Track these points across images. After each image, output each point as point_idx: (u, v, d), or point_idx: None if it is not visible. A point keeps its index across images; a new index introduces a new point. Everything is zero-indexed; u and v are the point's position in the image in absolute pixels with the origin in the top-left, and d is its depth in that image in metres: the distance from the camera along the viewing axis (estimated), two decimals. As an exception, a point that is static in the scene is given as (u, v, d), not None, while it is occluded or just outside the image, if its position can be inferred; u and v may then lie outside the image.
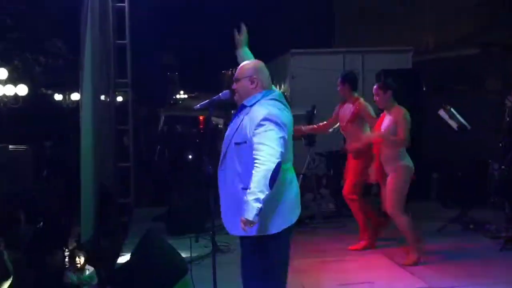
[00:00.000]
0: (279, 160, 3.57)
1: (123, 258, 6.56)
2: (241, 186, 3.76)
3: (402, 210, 5.99)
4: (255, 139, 3.66)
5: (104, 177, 9.58)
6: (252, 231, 3.69)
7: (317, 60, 8.76)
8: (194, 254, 5.90)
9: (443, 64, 10.03)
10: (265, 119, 3.68)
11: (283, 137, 3.67)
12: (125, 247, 7.19)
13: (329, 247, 6.87)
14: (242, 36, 4.34)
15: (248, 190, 3.54)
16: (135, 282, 5.42)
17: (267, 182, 3.51)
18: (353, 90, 6.61)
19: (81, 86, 8.32)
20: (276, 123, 3.68)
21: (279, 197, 3.78)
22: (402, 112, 5.98)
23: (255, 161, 3.58)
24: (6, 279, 6.61)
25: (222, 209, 3.93)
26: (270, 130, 3.65)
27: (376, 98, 6.09)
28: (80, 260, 6.99)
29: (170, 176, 14.69)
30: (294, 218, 3.92)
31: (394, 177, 5.97)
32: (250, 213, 3.50)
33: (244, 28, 4.32)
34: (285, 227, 3.84)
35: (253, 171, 3.56)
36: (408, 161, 6.03)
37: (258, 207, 3.49)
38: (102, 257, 7.93)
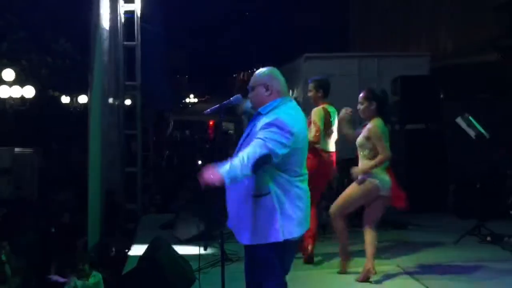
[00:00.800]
0: (269, 153, 3.52)
1: (130, 265, 6.38)
2: (251, 192, 3.69)
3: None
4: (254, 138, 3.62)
5: (111, 183, 9.45)
6: (262, 240, 3.65)
7: (331, 64, 8.58)
8: (202, 263, 5.73)
9: (461, 70, 9.85)
10: (270, 124, 3.62)
11: (284, 144, 3.58)
12: (132, 254, 7.01)
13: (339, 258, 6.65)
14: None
15: (238, 156, 3.53)
16: (141, 290, 5.24)
17: (253, 160, 3.48)
18: (325, 97, 6.39)
19: (90, 89, 8.21)
20: (281, 128, 3.60)
21: (289, 207, 3.70)
22: (376, 125, 5.61)
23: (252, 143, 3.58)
24: (4, 283, 6.47)
25: (230, 215, 3.84)
26: (272, 132, 3.58)
27: (359, 106, 5.75)
28: (86, 266, 6.87)
29: (178, 182, 14.55)
30: (303, 230, 3.80)
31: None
32: (225, 171, 3.48)
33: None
34: (295, 236, 3.73)
35: (249, 146, 3.56)
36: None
37: (235, 174, 3.47)
38: (108, 264, 7.80)
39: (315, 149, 6.19)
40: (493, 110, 8.71)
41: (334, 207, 5.80)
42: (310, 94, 6.40)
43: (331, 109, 6.29)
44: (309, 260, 6.40)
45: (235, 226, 3.82)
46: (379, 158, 5.49)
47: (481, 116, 7.27)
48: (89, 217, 7.54)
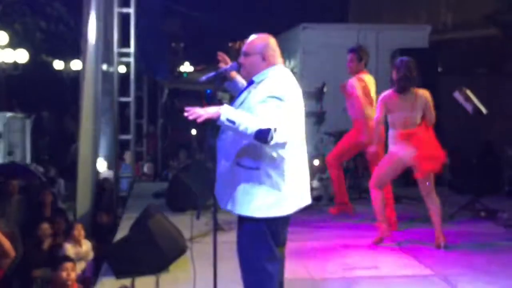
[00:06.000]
0: (276, 129, 3.42)
1: (121, 234, 6.34)
2: (236, 160, 3.65)
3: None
4: (256, 112, 3.51)
5: (104, 150, 9.39)
6: (243, 211, 3.64)
7: (329, 35, 8.45)
8: (194, 232, 5.70)
9: (461, 45, 9.74)
10: (269, 96, 3.53)
11: (286, 116, 3.53)
12: (124, 223, 6.96)
13: (335, 230, 6.65)
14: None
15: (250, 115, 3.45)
16: (133, 258, 5.22)
17: (254, 127, 3.38)
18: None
19: (83, 55, 8.10)
20: (280, 100, 3.53)
21: (279, 184, 3.63)
22: None
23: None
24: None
25: (217, 181, 3.79)
26: (273, 106, 3.50)
27: None
28: (80, 233, 6.83)
29: (172, 151, 14.50)
30: (296, 206, 3.73)
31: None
32: (229, 111, 3.43)
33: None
34: (283, 214, 3.68)
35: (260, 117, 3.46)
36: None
37: (236, 121, 3.39)
38: (99, 232, 7.76)
39: (362, 120, 6.36)
40: (491, 86, 8.62)
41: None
42: (351, 64, 6.38)
43: (367, 78, 6.30)
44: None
45: (219, 191, 3.77)
46: None
47: (478, 91, 7.20)
48: (78, 184, 7.50)
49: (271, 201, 3.62)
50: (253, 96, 3.63)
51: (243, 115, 3.45)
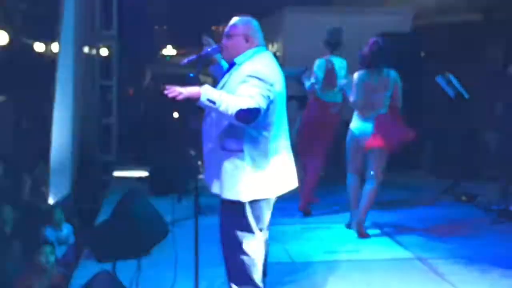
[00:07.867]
0: (259, 108, 3.42)
1: (103, 218, 6.31)
2: (220, 143, 3.64)
3: None
4: (238, 92, 3.50)
5: (86, 134, 9.34)
6: (229, 195, 3.63)
7: (313, 19, 8.41)
8: (176, 216, 5.70)
9: (443, 29, 9.77)
10: (250, 75, 3.51)
11: (267, 96, 3.50)
12: (105, 207, 6.93)
13: (316, 214, 6.67)
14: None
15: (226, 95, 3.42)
16: (114, 242, 5.20)
17: (240, 108, 3.35)
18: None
19: (60, 37, 8.00)
20: (261, 80, 3.50)
21: (263, 166, 3.63)
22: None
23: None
24: None
25: (205, 165, 3.80)
26: (254, 86, 3.47)
27: None
28: (60, 217, 6.79)
29: (154, 134, 14.41)
30: (280, 189, 3.75)
31: None
32: (210, 91, 3.40)
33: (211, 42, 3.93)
34: (267, 197, 3.71)
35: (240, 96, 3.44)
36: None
37: (216, 101, 3.36)
38: (80, 216, 7.72)
39: (316, 99, 6.36)
40: (473, 70, 8.67)
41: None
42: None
43: (336, 60, 6.29)
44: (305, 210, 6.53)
45: (207, 175, 3.78)
46: None
47: (461, 76, 7.24)
48: (52, 170, 7.44)
49: (255, 184, 3.62)
50: (235, 78, 3.62)
51: (224, 95, 3.42)
